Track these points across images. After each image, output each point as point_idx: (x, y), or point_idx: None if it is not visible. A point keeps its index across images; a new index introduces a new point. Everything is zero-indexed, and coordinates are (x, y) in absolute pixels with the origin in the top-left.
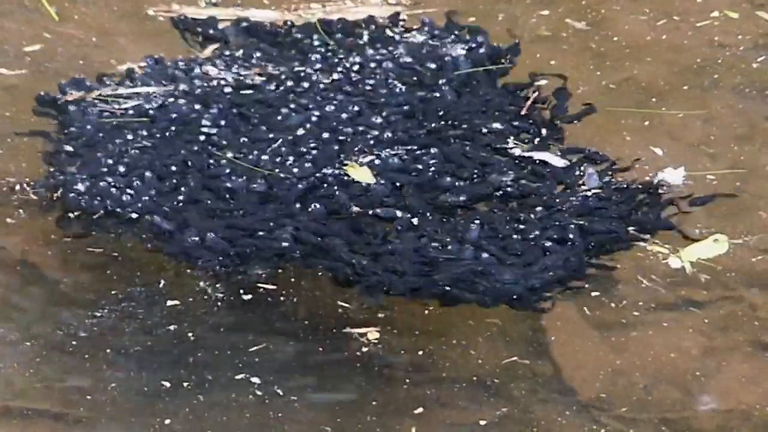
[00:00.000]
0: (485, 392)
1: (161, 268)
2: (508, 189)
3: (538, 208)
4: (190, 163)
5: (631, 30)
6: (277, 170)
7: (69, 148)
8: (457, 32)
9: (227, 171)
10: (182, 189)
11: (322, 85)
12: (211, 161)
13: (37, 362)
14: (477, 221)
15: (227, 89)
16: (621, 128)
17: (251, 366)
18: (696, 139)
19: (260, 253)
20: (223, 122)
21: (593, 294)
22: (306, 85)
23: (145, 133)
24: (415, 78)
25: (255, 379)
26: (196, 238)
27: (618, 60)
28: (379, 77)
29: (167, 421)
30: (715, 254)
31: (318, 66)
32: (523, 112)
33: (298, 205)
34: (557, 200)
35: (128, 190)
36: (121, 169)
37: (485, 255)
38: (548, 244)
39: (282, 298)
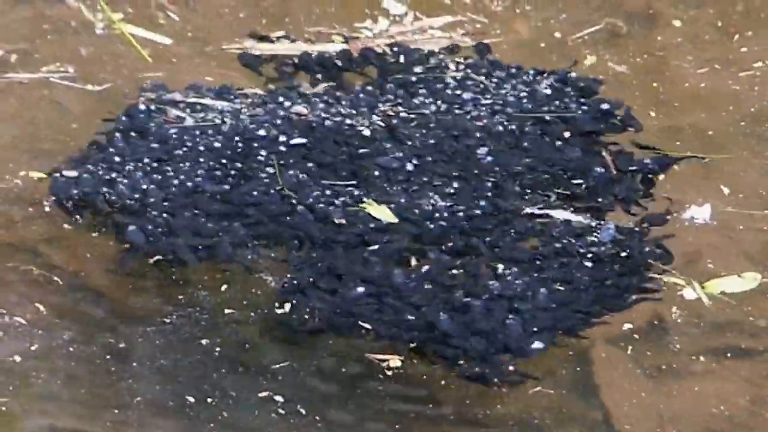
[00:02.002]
0: None
1: (232, 273)
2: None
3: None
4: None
5: (672, 76)
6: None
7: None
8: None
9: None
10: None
11: (421, 121)
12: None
13: (77, 379)
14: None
15: (327, 123)
16: (670, 175)
17: (275, 384)
18: (747, 187)
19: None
20: (291, 147)
21: (637, 336)
22: (408, 124)
23: (201, 143)
24: (529, 128)
25: (278, 398)
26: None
27: (658, 105)
28: (503, 123)
29: None
30: (741, 290)
31: (425, 104)
32: (614, 172)
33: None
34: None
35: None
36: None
37: (443, 316)
38: (511, 317)
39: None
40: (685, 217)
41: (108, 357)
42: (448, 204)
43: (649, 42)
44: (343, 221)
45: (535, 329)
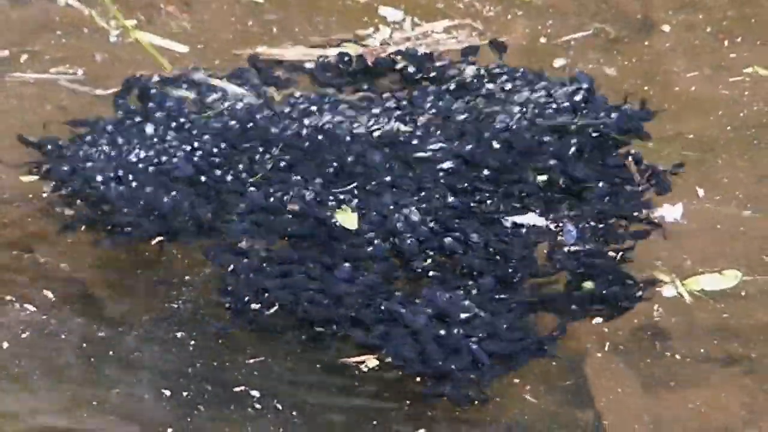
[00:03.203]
0: None
1: None
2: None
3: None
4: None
5: (662, 81)
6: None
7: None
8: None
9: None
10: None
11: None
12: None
13: (57, 369)
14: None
15: (338, 130)
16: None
17: (250, 378)
18: (729, 189)
19: None
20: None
21: (630, 342)
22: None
23: (195, 126)
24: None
25: (254, 392)
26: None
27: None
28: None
29: (169, 430)
30: (722, 287)
31: (448, 111)
32: (639, 187)
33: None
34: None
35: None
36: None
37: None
38: (474, 346)
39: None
40: (656, 216)
41: (84, 346)
42: (431, 217)
43: (639, 47)
44: (296, 208)
45: (487, 348)
